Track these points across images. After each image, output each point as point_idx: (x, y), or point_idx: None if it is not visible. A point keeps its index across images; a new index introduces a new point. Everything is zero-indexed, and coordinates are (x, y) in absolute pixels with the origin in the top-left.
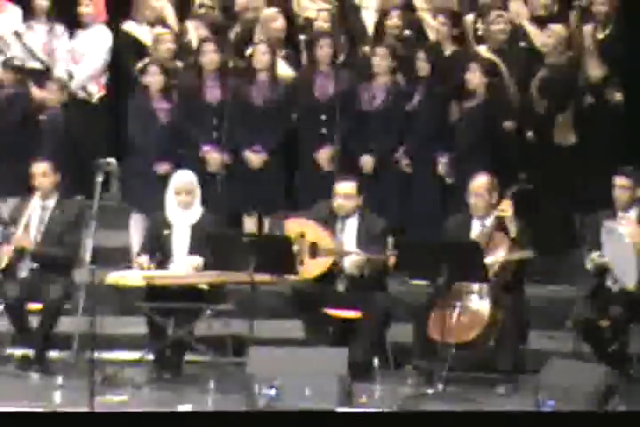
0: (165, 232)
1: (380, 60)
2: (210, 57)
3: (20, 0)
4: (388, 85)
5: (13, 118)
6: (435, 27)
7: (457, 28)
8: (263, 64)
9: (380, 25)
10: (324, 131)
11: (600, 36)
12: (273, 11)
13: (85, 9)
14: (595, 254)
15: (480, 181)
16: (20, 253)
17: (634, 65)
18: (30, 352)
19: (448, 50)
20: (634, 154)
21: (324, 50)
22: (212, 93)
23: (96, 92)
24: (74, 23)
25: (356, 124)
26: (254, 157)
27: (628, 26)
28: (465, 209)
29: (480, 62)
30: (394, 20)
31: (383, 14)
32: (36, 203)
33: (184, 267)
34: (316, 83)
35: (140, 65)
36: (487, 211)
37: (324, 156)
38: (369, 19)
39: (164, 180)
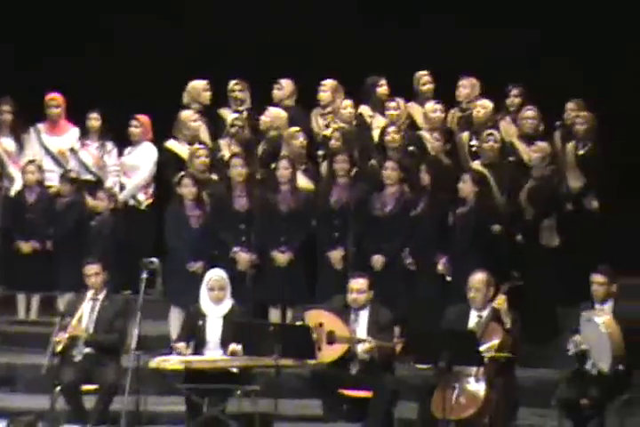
0: (200, 322)
1: (389, 172)
2: (238, 170)
3: (77, 121)
4: (397, 194)
5: (70, 223)
6: (431, 142)
7: (449, 143)
8: (286, 177)
9: (383, 142)
10: (336, 234)
11: (580, 152)
12: (294, 130)
13: (135, 129)
14: (574, 342)
15: (478, 277)
16: (73, 340)
17: (609, 177)
18: None
19: (444, 162)
20: (609, 254)
21: (339, 164)
22: (241, 202)
23: (144, 200)
24: (123, 140)
25: (367, 228)
26: (281, 257)
27: (603, 143)
28: (463, 302)
29: (471, 173)
30: (392, 136)
31: (385, 132)
32: (88, 297)
33: (217, 353)
34: (332, 193)
35: (176, 177)
36: (484, 304)
37: (336, 256)
38: (377, 136)
39: (198, 277)
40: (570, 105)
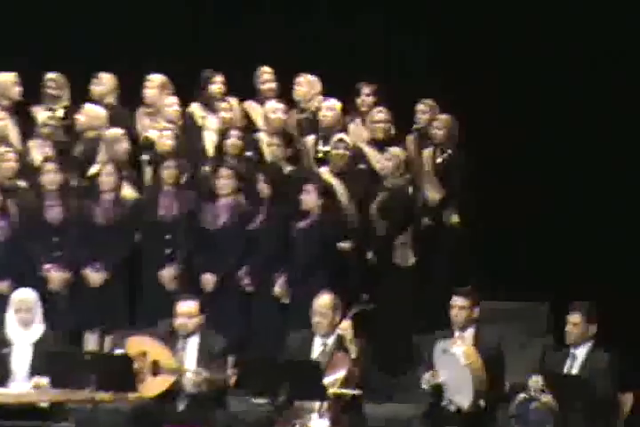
0: (5, 351)
1: (223, 180)
2: (51, 177)
3: None
4: (231, 205)
5: None
6: (270, 147)
7: (291, 149)
8: (108, 185)
9: (220, 145)
10: (168, 250)
11: (438, 159)
12: (117, 132)
13: None
14: (429, 375)
15: (323, 301)
16: None
17: (470, 188)
18: None
19: (285, 170)
20: (471, 275)
21: (167, 170)
22: (53, 213)
23: None
24: None
25: (199, 243)
26: (94, 275)
27: (465, 151)
28: (306, 328)
29: (315, 184)
30: (233, 140)
31: (223, 134)
32: None
33: (26, 385)
34: (160, 203)
35: None
36: (329, 330)
37: (167, 275)
38: (210, 139)
39: (3, 298)
40: (420, 106)
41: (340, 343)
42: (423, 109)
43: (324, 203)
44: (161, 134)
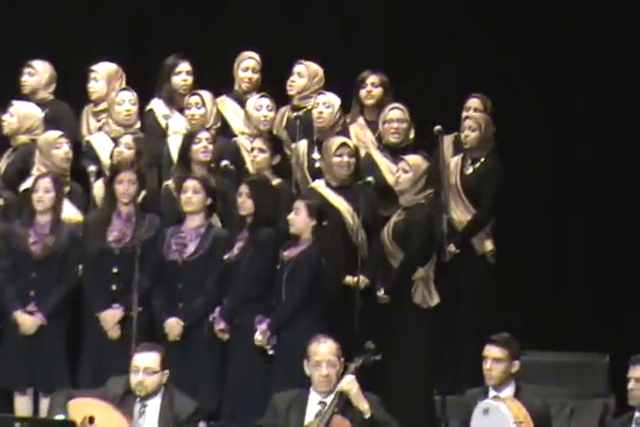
0: None
1: (191, 196)
2: None
3: None
4: (202, 230)
5: None
6: (254, 154)
7: (279, 156)
8: (44, 204)
9: (186, 152)
10: (114, 287)
11: (468, 170)
12: (54, 135)
13: None
14: None
15: (329, 348)
16: None
17: (508, 208)
18: None
19: (273, 183)
20: (509, 318)
21: (123, 185)
22: None
23: None
24: None
25: (159, 278)
26: (29, 320)
27: (502, 159)
28: (293, 386)
29: (306, 200)
30: (202, 144)
31: (190, 138)
32: None
33: None
34: (111, 227)
35: None
36: (333, 384)
37: (112, 319)
38: (175, 144)
39: None
40: (474, 102)
41: (341, 403)
42: (477, 107)
43: (315, 224)
44: (118, 140)
